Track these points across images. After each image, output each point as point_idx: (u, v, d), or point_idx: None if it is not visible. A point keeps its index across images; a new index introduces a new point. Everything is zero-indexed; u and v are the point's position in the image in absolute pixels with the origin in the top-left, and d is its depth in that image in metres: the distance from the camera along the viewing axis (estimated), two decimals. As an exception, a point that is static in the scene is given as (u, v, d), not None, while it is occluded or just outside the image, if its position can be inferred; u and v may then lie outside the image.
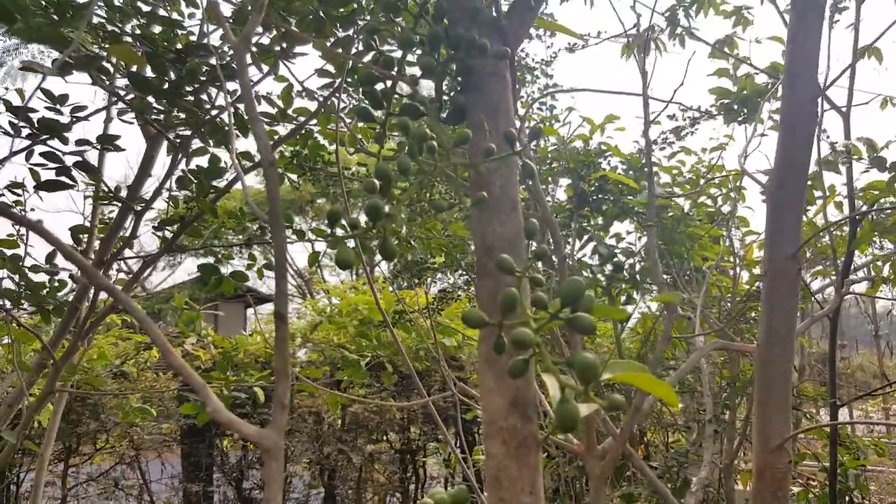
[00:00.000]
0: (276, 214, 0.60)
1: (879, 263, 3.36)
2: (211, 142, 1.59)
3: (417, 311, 4.04)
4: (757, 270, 4.13)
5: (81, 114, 1.66)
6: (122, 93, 1.50)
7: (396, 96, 0.91)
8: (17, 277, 1.91)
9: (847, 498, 3.65)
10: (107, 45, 1.24)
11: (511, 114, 0.83)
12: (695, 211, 4.80)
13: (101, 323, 1.75)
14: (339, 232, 0.65)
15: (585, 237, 4.17)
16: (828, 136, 3.42)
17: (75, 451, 4.44)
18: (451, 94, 0.85)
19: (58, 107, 1.65)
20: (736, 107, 3.76)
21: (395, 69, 0.87)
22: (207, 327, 5.27)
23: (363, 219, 0.69)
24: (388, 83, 0.89)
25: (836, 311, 2.69)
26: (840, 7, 3.19)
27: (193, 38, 1.62)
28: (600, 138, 4.01)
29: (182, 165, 1.68)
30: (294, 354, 5.67)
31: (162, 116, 1.42)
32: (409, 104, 0.86)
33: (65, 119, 1.68)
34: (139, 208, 1.57)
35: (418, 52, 0.85)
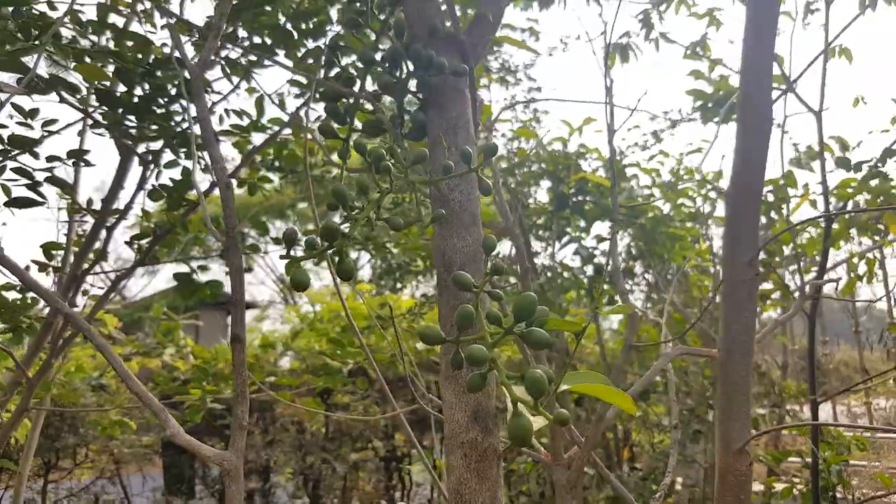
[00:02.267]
0: (232, 238, 0.61)
1: (855, 260, 3.42)
2: (182, 154, 1.60)
3: (399, 316, 4.05)
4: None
5: (52, 128, 1.66)
6: (92, 108, 1.50)
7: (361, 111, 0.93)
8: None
9: (830, 493, 3.71)
10: (74, 63, 1.24)
11: (470, 129, 0.85)
12: (675, 212, 4.86)
13: (73, 340, 1.75)
14: (298, 252, 0.67)
15: (566, 239, 4.21)
16: (790, 138, 3.48)
17: (54, 467, 4.40)
18: (412, 110, 0.87)
19: (29, 121, 1.65)
20: (711, 107, 3.81)
21: (357, 86, 0.88)
22: (186, 337, 5.24)
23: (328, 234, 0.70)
24: (351, 99, 0.91)
25: (813, 309, 2.74)
26: (812, 9, 3.26)
27: (167, 48, 1.63)
28: (579, 140, 4.06)
29: (154, 178, 1.69)
30: (276, 362, 5.65)
31: (134, 130, 1.42)
32: (371, 120, 0.88)
33: (36, 133, 1.68)
34: (111, 222, 1.58)
35: (380, 68, 0.87)
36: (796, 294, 3.56)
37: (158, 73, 1.39)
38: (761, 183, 1.10)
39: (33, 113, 1.65)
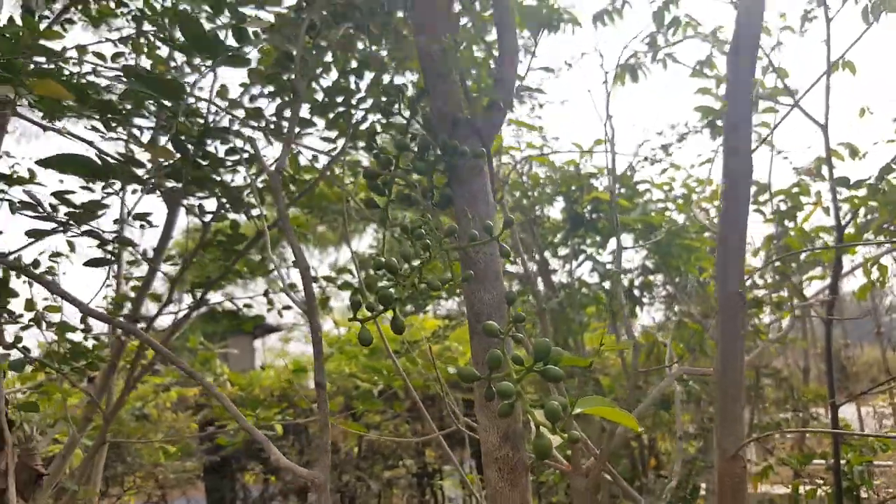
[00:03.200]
0: (313, 313, 0.81)
1: (869, 265, 3.54)
2: (230, 209, 1.81)
3: (424, 339, 4.24)
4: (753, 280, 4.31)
5: (111, 189, 1.89)
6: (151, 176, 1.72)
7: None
8: (55, 339, 2.13)
9: (854, 494, 3.80)
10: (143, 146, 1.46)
11: (489, 199, 1.04)
12: (689, 224, 5.00)
13: (142, 377, 1.96)
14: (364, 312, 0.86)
15: (582, 256, 4.38)
16: (785, 157, 3.64)
17: (104, 494, 4.63)
18: (441, 186, 1.07)
19: (90, 185, 1.89)
20: (720, 122, 3.96)
21: (393, 166, 1.08)
22: (223, 365, 5.48)
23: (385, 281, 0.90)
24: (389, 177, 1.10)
25: (829, 313, 2.87)
26: (810, 17, 3.42)
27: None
28: (591, 160, 4.22)
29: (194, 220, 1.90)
30: (306, 385, 5.86)
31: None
32: (405, 194, 1.08)
33: (97, 195, 1.91)
34: (165, 271, 1.79)
35: (412, 153, 1.07)
36: (814, 300, 3.68)
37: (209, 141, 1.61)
38: (746, 217, 1.28)
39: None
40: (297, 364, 5.72)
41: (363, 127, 1.55)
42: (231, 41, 1.23)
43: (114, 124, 1.32)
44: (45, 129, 1.33)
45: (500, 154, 3.52)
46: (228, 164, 1.48)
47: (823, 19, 2.92)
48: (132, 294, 2.27)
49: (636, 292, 4.55)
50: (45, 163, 1.25)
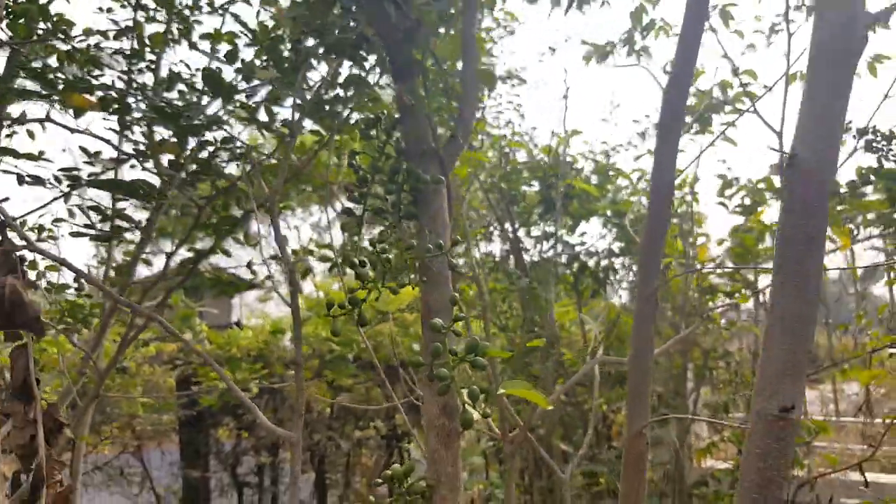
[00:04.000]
0: (299, 362, 1.05)
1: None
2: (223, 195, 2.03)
3: (399, 310, 4.50)
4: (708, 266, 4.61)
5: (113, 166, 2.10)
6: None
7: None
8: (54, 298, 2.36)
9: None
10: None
11: (446, 217, 1.29)
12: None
13: (136, 337, 2.20)
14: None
15: (553, 239, 4.64)
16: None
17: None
18: (407, 204, 1.30)
19: (92, 161, 2.10)
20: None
21: (367, 188, 1.31)
22: (202, 323, 5.71)
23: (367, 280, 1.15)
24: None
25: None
26: (776, 29, 3.68)
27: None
28: (567, 149, 4.46)
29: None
30: (283, 346, 6.13)
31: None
32: (377, 208, 1.31)
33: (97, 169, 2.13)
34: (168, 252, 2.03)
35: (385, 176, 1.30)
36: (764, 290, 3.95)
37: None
38: (665, 229, 1.53)
39: (97, 154, 2.10)
40: (275, 325, 5.97)
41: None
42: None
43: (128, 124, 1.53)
44: (72, 131, 1.54)
45: (477, 133, 3.74)
46: (224, 155, 1.70)
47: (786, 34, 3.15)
48: (127, 259, 2.49)
49: (601, 274, 4.84)
50: (96, 184, 1.47)
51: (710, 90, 4.03)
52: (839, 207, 3.43)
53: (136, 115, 1.48)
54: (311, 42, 1.34)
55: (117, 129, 1.61)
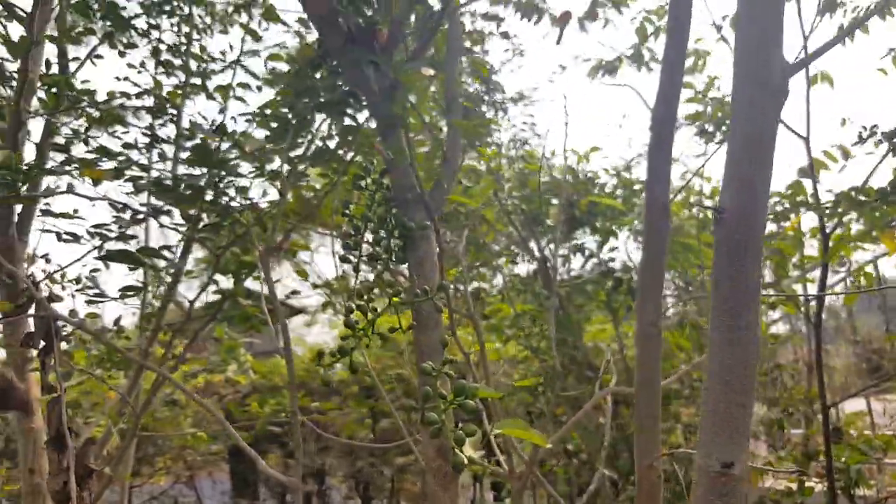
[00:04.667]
0: (288, 350, 1.11)
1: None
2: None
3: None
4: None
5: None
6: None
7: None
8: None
9: (850, 493, 4.00)
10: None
11: (434, 260, 1.34)
12: (686, 222, 5.20)
13: (165, 383, 2.32)
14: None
15: (580, 256, 4.62)
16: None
17: (137, 473, 5.09)
18: (398, 249, 1.36)
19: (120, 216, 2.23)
20: (708, 128, 4.18)
21: (361, 236, 1.37)
22: (246, 354, 5.87)
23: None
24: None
25: (818, 319, 3.09)
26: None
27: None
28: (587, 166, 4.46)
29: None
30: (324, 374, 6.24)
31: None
32: (370, 253, 1.37)
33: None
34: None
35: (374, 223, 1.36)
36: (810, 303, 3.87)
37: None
38: (664, 253, 1.52)
39: (124, 208, 2.24)
40: (315, 353, 6.10)
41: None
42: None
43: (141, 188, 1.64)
44: (91, 199, 1.67)
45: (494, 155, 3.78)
46: (236, 207, 1.80)
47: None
48: (157, 303, 2.63)
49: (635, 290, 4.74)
50: (107, 258, 1.59)
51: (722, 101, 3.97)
52: (877, 213, 3.33)
53: (142, 185, 1.59)
54: (303, 101, 1.42)
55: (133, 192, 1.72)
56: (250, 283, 2.57)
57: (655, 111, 1.51)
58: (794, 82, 1.04)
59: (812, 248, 4.37)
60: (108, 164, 1.64)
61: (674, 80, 1.56)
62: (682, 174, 5.05)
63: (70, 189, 1.61)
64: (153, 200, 1.91)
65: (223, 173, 1.87)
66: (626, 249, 5.15)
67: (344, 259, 1.39)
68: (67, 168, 1.30)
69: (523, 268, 4.82)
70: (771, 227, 4.52)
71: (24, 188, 1.83)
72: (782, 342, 4.65)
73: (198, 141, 1.73)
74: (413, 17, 1.43)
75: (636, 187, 4.72)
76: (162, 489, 5.48)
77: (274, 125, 1.48)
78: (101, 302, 1.97)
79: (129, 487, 5.10)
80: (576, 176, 4.64)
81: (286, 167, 1.72)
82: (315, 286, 2.74)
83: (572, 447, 4.44)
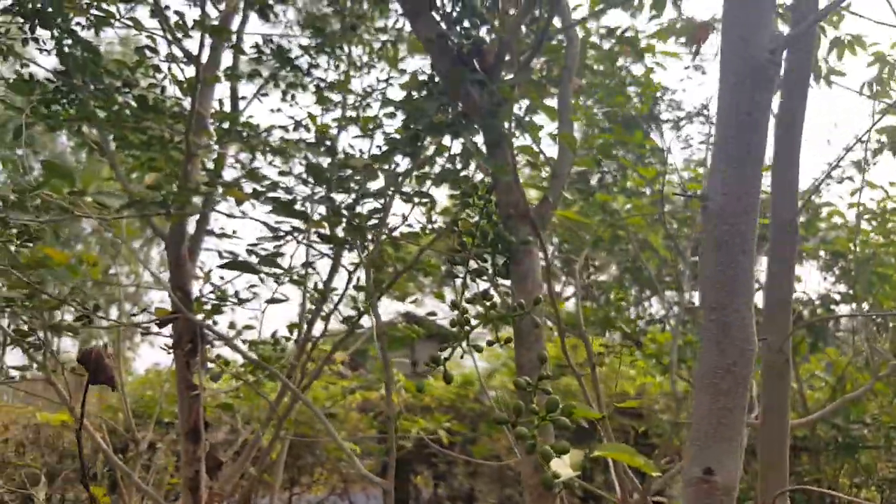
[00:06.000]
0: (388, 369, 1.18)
1: None
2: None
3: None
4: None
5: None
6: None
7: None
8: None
9: None
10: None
11: (537, 276, 1.35)
12: (887, 249, 4.65)
13: (307, 391, 2.50)
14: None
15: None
16: None
17: (297, 482, 5.48)
18: (501, 264, 1.39)
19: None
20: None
21: (469, 252, 1.42)
22: (399, 373, 6.13)
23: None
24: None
25: None
26: None
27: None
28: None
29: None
30: (479, 396, 6.34)
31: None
32: (476, 268, 1.42)
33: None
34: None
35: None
36: None
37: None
38: (792, 273, 1.40)
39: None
40: (466, 377, 6.22)
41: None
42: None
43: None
44: (230, 217, 1.89)
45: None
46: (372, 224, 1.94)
47: None
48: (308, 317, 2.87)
49: (817, 324, 4.32)
50: (226, 266, 1.80)
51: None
52: None
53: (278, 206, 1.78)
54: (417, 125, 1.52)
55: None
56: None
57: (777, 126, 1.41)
58: None
59: None
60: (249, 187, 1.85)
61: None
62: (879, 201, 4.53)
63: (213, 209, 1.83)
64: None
65: (359, 197, 2.02)
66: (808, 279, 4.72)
67: (450, 274, 1.45)
68: (212, 189, 1.50)
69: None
70: None
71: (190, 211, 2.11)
72: None
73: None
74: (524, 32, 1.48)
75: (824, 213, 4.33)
76: (319, 499, 5.84)
77: (386, 146, 1.59)
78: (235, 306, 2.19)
79: (290, 495, 5.51)
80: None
81: (412, 187, 1.83)
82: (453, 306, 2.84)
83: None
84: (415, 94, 1.54)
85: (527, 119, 1.92)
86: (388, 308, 19.08)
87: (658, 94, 4.01)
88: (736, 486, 0.89)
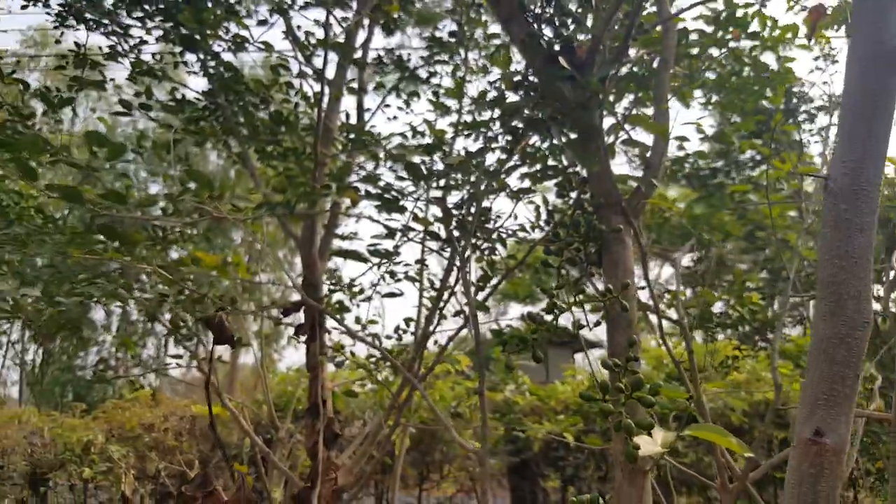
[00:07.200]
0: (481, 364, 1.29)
1: None
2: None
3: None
4: None
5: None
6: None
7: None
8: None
9: None
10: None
11: (628, 264, 1.40)
12: None
13: (426, 379, 2.67)
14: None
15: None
16: None
17: (426, 478, 5.72)
18: (593, 252, 1.46)
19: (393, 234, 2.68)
20: None
21: (562, 241, 1.51)
22: (523, 375, 6.21)
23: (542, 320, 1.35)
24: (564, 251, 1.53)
25: None
26: None
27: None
28: None
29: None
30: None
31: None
32: (570, 257, 1.49)
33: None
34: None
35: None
36: None
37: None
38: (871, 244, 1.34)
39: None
40: (592, 381, 6.19)
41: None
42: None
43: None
44: (347, 216, 2.09)
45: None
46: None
47: None
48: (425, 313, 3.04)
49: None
50: (340, 254, 1.99)
51: None
52: None
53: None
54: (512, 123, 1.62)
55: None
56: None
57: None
58: None
59: None
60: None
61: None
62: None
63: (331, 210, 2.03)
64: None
65: (470, 200, 2.15)
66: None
67: (545, 264, 1.54)
68: (328, 191, 1.71)
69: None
70: None
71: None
72: None
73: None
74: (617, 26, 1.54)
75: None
76: (447, 497, 6.04)
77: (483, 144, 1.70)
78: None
79: (420, 490, 5.75)
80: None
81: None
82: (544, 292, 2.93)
83: None
84: (510, 94, 1.64)
85: (634, 112, 1.97)
86: (514, 311, 19.11)
87: (790, 87, 3.82)
88: (845, 450, 0.91)
